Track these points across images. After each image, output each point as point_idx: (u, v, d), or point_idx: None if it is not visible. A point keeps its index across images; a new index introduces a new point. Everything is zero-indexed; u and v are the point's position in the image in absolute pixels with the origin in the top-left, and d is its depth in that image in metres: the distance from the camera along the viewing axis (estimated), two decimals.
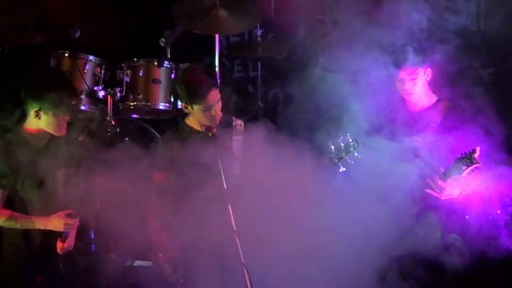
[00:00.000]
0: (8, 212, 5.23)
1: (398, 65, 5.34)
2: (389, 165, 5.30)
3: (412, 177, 5.29)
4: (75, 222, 5.21)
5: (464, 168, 5.12)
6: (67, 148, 5.25)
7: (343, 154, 5.18)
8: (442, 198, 5.20)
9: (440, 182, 5.15)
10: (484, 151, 5.20)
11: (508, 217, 5.49)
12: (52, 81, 5.24)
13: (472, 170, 5.13)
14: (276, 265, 5.01)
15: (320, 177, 5.18)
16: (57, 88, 5.15)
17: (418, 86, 5.39)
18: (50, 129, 5.14)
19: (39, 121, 5.16)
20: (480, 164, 5.11)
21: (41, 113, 5.07)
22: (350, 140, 5.18)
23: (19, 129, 5.21)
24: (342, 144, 5.18)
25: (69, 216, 5.17)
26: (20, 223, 5.23)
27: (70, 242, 5.29)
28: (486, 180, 5.29)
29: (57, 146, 5.26)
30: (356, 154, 5.18)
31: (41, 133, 5.15)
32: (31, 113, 5.15)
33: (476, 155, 5.08)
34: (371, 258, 5.15)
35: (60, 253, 5.21)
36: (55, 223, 5.17)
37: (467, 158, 5.12)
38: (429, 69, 5.42)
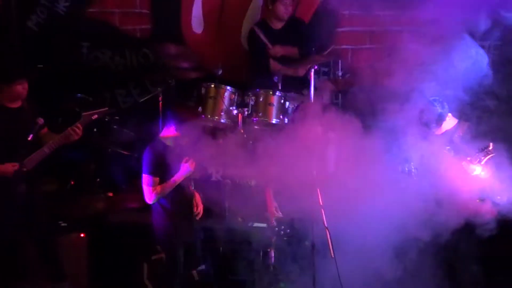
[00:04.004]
0: (160, 187, 6.57)
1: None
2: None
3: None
4: (191, 164, 6.43)
5: (483, 158, 5.86)
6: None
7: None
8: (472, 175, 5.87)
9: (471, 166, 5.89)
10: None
11: None
12: None
13: (489, 159, 5.84)
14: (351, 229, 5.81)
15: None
16: None
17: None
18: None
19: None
20: (494, 154, 5.80)
21: None
22: (413, 167, 6.22)
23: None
24: (406, 169, 6.25)
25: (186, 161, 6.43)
26: (168, 188, 6.54)
27: (199, 206, 6.62)
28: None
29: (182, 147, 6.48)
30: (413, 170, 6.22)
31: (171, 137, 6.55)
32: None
33: (490, 148, 5.80)
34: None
35: (197, 212, 6.55)
36: (180, 175, 6.51)
37: (485, 151, 5.84)
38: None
